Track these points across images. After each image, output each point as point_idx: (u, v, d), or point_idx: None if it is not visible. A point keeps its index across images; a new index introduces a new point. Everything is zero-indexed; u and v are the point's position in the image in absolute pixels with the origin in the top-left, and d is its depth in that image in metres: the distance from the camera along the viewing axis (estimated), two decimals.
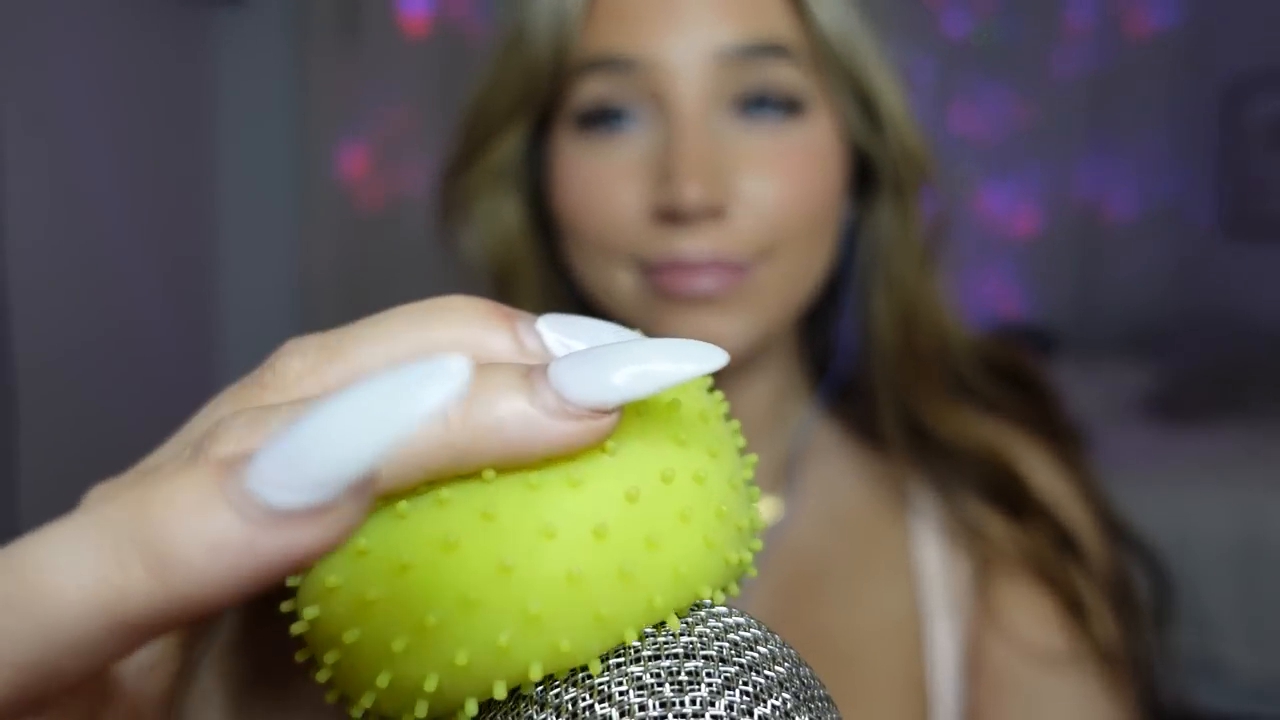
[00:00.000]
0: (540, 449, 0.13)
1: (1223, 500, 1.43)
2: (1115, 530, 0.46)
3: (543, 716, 0.13)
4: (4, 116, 1.01)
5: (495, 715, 0.14)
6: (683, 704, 0.13)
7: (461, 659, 0.13)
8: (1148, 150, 2.38)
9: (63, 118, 1.15)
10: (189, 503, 0.10)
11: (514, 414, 0.13)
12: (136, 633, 0.11)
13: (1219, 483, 1.47)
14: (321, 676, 0.15)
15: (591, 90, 0.40)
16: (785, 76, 0.40)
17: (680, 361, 0.13)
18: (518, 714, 0.14)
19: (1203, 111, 2.28)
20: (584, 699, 0.13)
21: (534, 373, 0.13)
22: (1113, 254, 2.39)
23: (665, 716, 0.13)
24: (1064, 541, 0.43)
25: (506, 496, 0.13)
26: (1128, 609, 0.44)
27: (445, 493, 0.13)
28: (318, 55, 1.73)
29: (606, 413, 0.13)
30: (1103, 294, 2.40)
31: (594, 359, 0.13)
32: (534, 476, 0.13)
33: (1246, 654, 1.34)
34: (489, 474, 0.13)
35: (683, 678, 0.13)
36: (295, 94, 1.73)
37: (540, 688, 0.14)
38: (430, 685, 0.13)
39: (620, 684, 0.13)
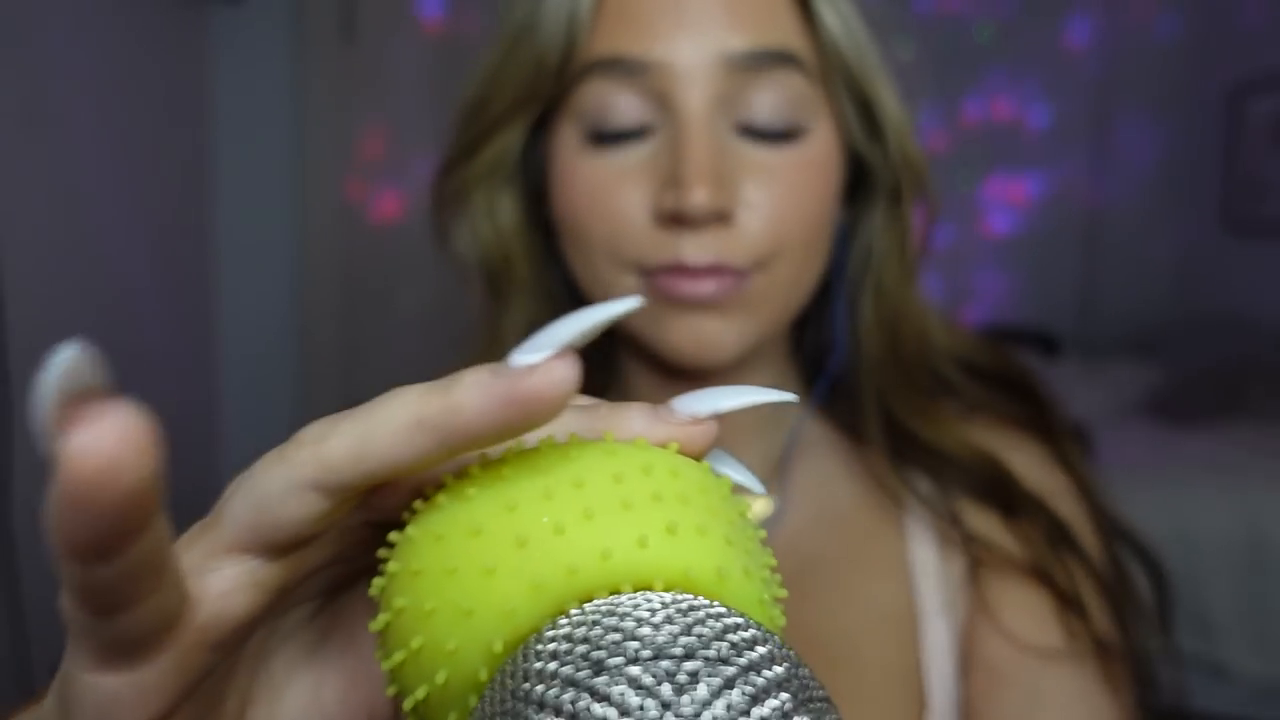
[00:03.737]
0: (508, 413, 0.16)
1: (1224, 500, 1.43)
2: (1114, 528, 0.46)
3: (540, 716, 0.13)
4: (1, 115, 1.01)
5: (496, 715, 0.14)
6: (682, 704, 0.13)
7: (498, 647, 0.16)
8: (1149, 151, 2.38)
9: (61, 117, 1.15)
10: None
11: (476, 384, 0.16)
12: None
13: (1221, 482, 1.47)
14: (385, 664, 0.17)
15: (597, 91, 0.40)
16: (792, 84, 0.40)
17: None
18: (516, 713, 0.14)
19: (1204, 112, 2.28)
20: (582, 699, 0.13)
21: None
22: (1114, 255, 2.39)
23: (664, 717, 0.13)
24: (1057, 537, 0.43)
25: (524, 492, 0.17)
26: (1126, 606, 0.44)
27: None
28: (317, 55, 1.73)
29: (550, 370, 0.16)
30: (1105, 295, 2.40)
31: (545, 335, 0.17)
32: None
33: (1247, 655, 1.34)
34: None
35: (681, 678, 0.13)
36: (294, 93, 1.73)
37: (540, 686, 0.14)
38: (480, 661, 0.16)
39: (619, 684, 0.13)
